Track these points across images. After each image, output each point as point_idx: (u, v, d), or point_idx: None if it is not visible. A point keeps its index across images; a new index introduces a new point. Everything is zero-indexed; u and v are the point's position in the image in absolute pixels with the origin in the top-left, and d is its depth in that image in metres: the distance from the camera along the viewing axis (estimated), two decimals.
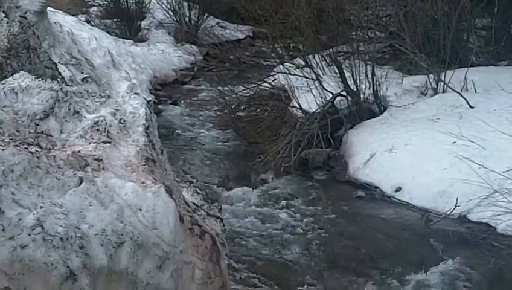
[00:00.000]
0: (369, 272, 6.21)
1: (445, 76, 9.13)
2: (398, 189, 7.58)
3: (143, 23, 14.30)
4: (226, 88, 10.29)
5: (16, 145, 3.41)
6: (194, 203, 4.73)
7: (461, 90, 8.84)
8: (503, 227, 6.56)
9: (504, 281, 5.92)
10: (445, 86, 9.07)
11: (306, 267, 6.29)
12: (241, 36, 15.35)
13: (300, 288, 5.84)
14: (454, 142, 7.54)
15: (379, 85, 9.18)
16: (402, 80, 9.60)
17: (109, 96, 4.47)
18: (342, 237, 6.85)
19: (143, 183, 3.65)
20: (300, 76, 9.49)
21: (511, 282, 5.89)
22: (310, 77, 9.32)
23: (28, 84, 3.93)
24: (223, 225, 4.77)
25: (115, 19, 14.08)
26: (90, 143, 3.82)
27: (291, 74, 9.60)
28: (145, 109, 4.24)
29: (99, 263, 3.33)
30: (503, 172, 6.76)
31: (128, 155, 3.87)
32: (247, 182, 8.07)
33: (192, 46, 13.95)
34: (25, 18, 5.31)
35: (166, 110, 10.75)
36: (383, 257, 6.45)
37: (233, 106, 10.05)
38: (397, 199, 7.52)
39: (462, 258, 6.32)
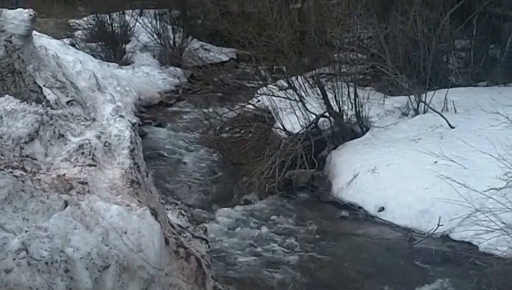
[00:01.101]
0: None
1: (425, 97, 9.18)
2: (381, 209, 7.58)
3: (128, 46, 14.30)
4: (210, 110, 10.28)
5: (1, 169, 3.37)
6: (179, 225, 4.70)
7: (442, 111, 8.89)
8: (485, 246, 6.57)
9: None
10: (426, 106, 9.11)
11: (291, 286, 6.26)
12: (225, 58, 15.38)
13: None
14: (436, 162, 7.57)
15: (361, 106, 9.22)
16: (384, 100, 9.66)
17: (94, 119, 4.45)
18: (325, 257, 6.83)
19: (128, 206, 3.62)
20: (284, 97, 9.51)
21: None
22: (293, 99, 9.35)
23: (12, 108, 3.90)
24: (209, 247, 4.73)
25: (100, 42, 14.08)
26: (75, 166, 3.78)
27: (274, 96, 9.63)
28: (130, 131, 4.21)
29: (84, 287, 3.28)
30: (484, 191, 6.78)
31: (114, 178, 3.84)
32: (232, 203, 8.03)
33: (177, 68, 13.95)
34: (10, 42, 5.27)
35: (152, 132, 10.72)
36: (366, 277, 6.43)
37: (217, 128, 10.03)
38: (380, 219, 7.51)
39: (445, 277, 6.32)
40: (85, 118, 4.39)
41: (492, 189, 6.77)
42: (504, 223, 6.31)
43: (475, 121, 8.31)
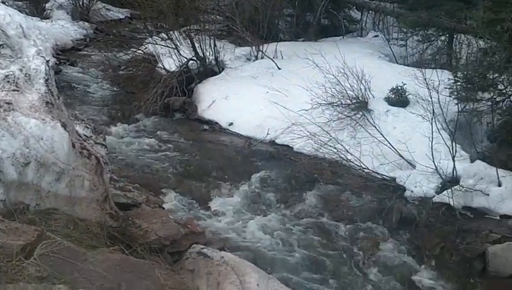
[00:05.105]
0: (211, 179, 6.36)
1: (263, 47, 9.27)
2: (231, 124, 7.70)
3: (47, 5, 13.26)
4: (110, 54, 9.85)
5: None
6: (85, 135, 4.60)
7: (273, 57, 9.01)
8: (298, 147, 6.90)
9: (297, 181, 6.28)
10: (263, 54, 9.22)
11: (168, 177, 6.32)
12: (121, 16, 14.54)
13: (163, 190, 5.88)
14: (268, 92, 7.75)
15: (219, 53, 9.16)
16: (234, 49, 9.63)
17: (19, 57, 4.21)
18: (193, 156, 6.91)
19: (43, 120, 3.51)
20: (164, 46, 9.27)
21: (300, 181, 6.24)
22: (171, 46, 9.13)
23: None
24: (107, 150, 4.68)
25: (25, 1, 13.00)
26: (2, 91, 3.61)
27: (157, 44, 9.36)
28: (45, 66, 4.04)
29: (11, 178, 3.20)
30: (298, 111, 7.07)
31: (32, 100, 3.71)
32: (126, 121, 7.84)
33: (85, 22, 13.10)
34: None
35: (66, 69, 10.13)
36: (220, 169, 6.60)
37: (115, 67, 9.66)
38: (230, 131, 7.64)
39: (272, 168, 6.62)
40: (10, 55, 4.15)
41: (303, 110, 7.07)
42: (309, 132, 6.66)
43: (294, 65, 8.46)
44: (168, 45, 9.19)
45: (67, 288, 2.37)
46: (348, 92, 6.99)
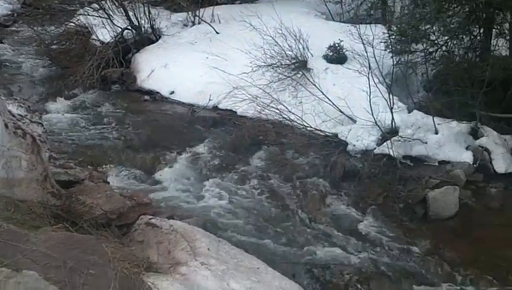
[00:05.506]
0: (156, 149, 6.31)
1: (199, 12, 9.16)
2: (172, 92, 7.63)
3: None
4: (40, 28, 9.44)
5: None
6: (19, 114, 4.43)
7: (210, 22, 8.93)
8: (241, 111, 6.93)
9: (242, 144, 6.32)
10: (200, 19, 9.10)
11: (111, 150, 6.23)
12: None
13: (107, 164, 5.80)
14: (207, 58, 7.71)
15: (154, 20, 8.98)
16: (170, 16, 9.47)
17: None
18: (135, 127, 6.83)
19: None
20: (97, 16, 8.98)
21: (245, 144, 6.29)
22: (103, 17, 8.85)
23: None
24: (44, 128, 4.54)
25: None
26: None
27: (89, 15, 9.05)
28: None
29: None
30: (238, 75, 7.07)
31: None
32: (63, 96, 7.64)
33: None
34: None
35: None
36: (164, 138, 6.55)
37: (47, 42, 9.27)
38: (172, 99, 7.58)
39: (216, 134, 6.66)
40: None
41: (243, 73, 7.07)
42: (251, 95, 6.68)
43: (232, 28, 8.40)
44: (101, 15, 8.91)
45: (10, 271, 2.32)
46: (287, 52, 7.02)
